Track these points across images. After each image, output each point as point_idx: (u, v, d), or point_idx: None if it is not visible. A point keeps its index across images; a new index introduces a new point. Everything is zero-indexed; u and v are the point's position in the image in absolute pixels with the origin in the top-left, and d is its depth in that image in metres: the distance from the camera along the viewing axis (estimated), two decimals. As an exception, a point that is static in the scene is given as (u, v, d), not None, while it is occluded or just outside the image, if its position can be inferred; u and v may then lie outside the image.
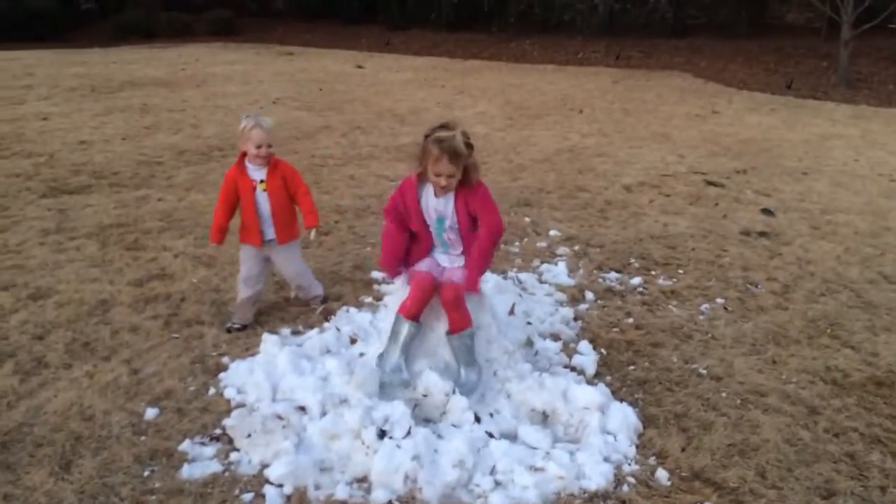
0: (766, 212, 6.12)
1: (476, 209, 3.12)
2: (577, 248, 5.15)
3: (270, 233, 3.80)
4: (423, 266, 3.23)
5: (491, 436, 2.89)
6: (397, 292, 3.37)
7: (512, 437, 2.94)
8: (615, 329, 3.97)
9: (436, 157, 2.97)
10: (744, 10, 18.64)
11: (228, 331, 3.79)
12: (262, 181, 3.72)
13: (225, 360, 3.49)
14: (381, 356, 3.21)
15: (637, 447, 2.93)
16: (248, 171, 3.73)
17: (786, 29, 19.48)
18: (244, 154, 3.71)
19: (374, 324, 3.68)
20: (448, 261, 3.27)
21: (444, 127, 3.04)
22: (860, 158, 8.28)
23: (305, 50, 18.89)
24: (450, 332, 3.17)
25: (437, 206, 3.16)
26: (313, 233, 3.89)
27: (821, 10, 15.46)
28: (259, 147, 3.64)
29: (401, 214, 3.22)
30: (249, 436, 2.84)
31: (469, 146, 3.02)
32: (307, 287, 4.09)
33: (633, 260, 4.96)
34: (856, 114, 11.32)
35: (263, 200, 3.74)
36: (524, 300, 4.07)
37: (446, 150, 2.95)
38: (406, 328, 3.16)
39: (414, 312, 3.15)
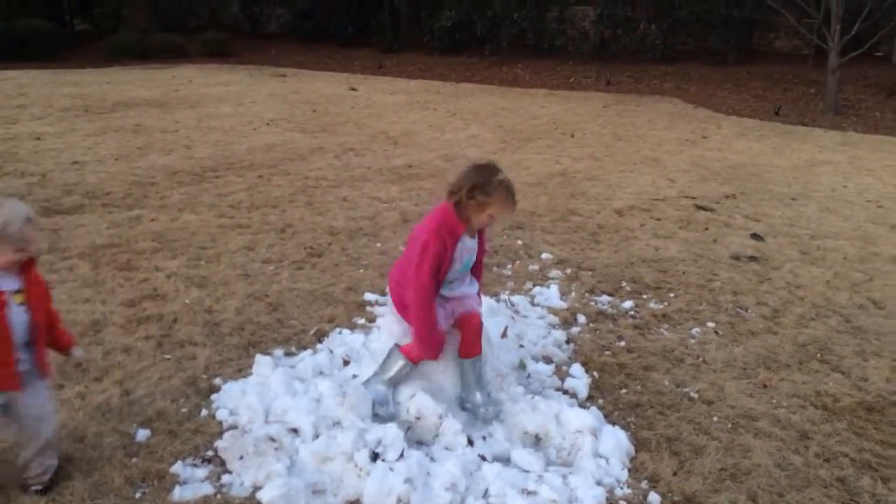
0: (756, 237, 6.18)
1: (482, 246, 3.24)
2: (569, 271, 5.18)
3: (28, 363, 2.57)
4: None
5: (483, 459, 2.89)
6: (390, 314, 3.38)
7: (504, 460, 2.95)
8: (607, 352, 3.98)
9: (504, 200, 2.93)
10: (732, 37, 18.87)
11: (24, 488, 2.68)
12: (17, 291, 2.49)
13: (217, 381, 3.47)
14: (366, 384, 3.17)
15: (629, 471, 2.94)
16: None
17: (774, 56, 19.72)
18: None
19: (367, 345, 3.68)
20: (459, 288, 3.19)
21: (495, 168, 2.98)
22: (848, 184, 8.38)
23: (299, 72, 18.99)
24: (466, 357, 3.18)
25: (471, 246, 3.10)
26: (80, 351, 2.96)
27: (808, 37, 15.70)
28: (24, 249, 2.44)
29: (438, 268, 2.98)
30: (242, 458, 2.83)
31: None
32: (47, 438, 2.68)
33: (624, 283, 4.99)
34: (843, 140, 11.47)
35: (22, 319, 2.49)
36: (516, 323, 4.09)
37: (514, 195, 2.96)
38: (401, 365, 3.13)
39: (417, 362, 3.16)
